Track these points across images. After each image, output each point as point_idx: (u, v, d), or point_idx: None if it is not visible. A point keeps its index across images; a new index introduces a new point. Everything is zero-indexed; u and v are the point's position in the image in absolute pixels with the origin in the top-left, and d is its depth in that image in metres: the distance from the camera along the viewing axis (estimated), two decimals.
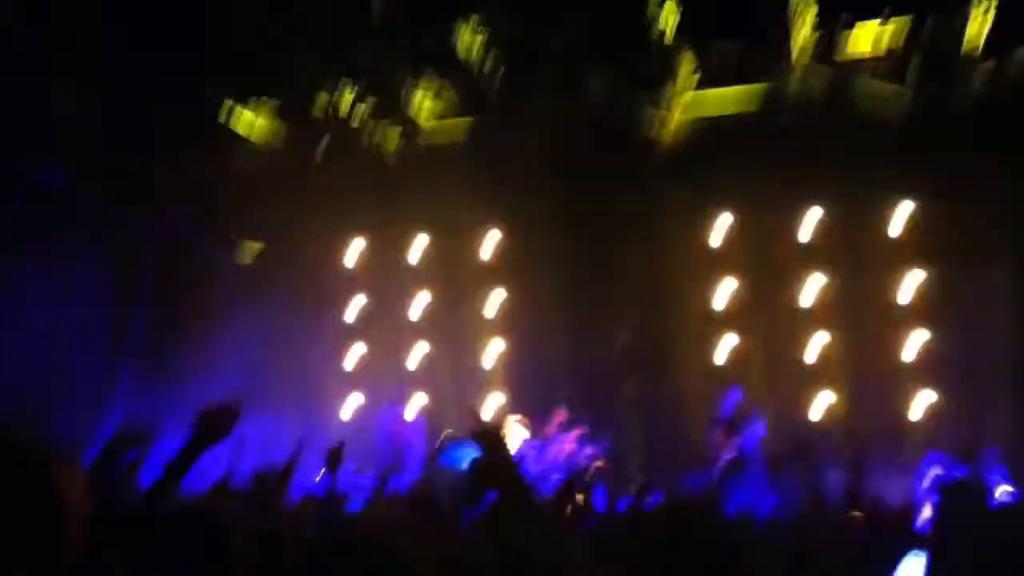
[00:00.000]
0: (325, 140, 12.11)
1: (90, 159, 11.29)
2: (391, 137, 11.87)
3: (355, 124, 11.62)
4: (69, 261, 11.48)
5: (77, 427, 11.01)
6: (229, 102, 10.99)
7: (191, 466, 3.58)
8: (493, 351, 14.06)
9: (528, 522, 3.31)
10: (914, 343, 12.05)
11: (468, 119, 11.37)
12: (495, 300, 14.13)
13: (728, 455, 11.50)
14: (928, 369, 12.00)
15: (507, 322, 14.13)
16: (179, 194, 12.21)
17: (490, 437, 4.06)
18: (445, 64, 10.41)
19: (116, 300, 12.30)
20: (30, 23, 9.51)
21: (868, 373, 12.08)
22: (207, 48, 9.97)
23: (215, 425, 3.68)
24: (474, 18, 9.26)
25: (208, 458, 3.66)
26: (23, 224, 11.25)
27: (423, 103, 11.00)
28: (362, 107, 11.17)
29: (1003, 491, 9.40)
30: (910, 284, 12.10)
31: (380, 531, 3.78)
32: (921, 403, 11.86)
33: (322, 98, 11.03)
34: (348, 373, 14.41)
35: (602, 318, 13.78)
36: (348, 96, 10.95)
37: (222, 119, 11.19)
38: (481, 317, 14.12)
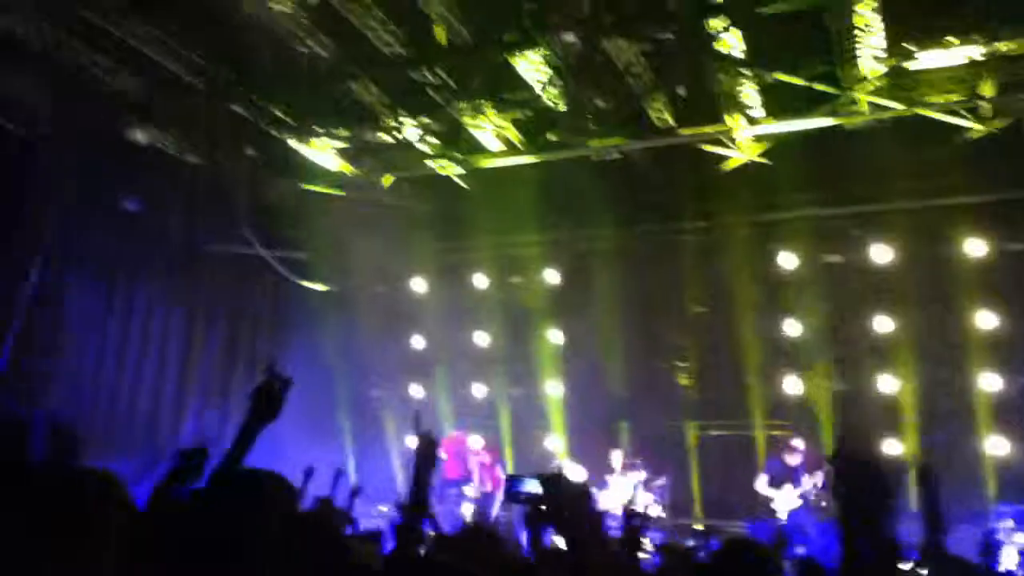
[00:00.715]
0: (386, 174, 12.27)
1: (171, 185, 11.63)
2: (454, 170, 11.95)
3: (422, 158, 11.71)
4: (149, 284, 11.78)
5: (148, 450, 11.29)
6: (302, 133, 11.18)
7: (252, 444, 3.62)
8: (552, 389, 14.00)
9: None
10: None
11: (533, 155, 11.40)
12: (553, 339, 14.12)
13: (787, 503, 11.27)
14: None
15: (565, 363, 14.09)
16: (253, 219, 12.46)
17: (553, 477, 4.47)
18: (511, 94, 10.45)
19: (191, 323, 12.57)
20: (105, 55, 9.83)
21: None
22: (277, 76, 10.17)
23: (269, 400, 3.74)
24: (540, 45, 9.27)
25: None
26: (106, 248, 11.60)
27: (488, 136, 11.05)
28: (428, 140, 11.26)
29: None
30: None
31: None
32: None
33: (388, 132, 11.14)
34: (409, 405, 14.46)
35: (661, 359, 13.71)
36: (414, 130, 11.05)
37: (295, 148, 11.38)
38: (540, 357, 14.12)
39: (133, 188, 11.69)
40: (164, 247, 12.27)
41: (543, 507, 3.01)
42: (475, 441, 13.22)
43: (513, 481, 3.44)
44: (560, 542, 3.52)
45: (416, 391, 14.74)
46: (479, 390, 14.55)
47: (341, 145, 11.65)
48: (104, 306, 11.35)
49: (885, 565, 3.73)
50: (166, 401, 13.09)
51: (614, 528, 11.08)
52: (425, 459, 3.89)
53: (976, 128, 9.87)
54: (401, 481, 13.70)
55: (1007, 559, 9.31)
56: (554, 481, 3.29)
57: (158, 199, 11.86)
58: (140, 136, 10.79)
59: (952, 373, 11.93)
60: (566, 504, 3.07)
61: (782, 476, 11.46)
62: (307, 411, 13.24)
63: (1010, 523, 9.94)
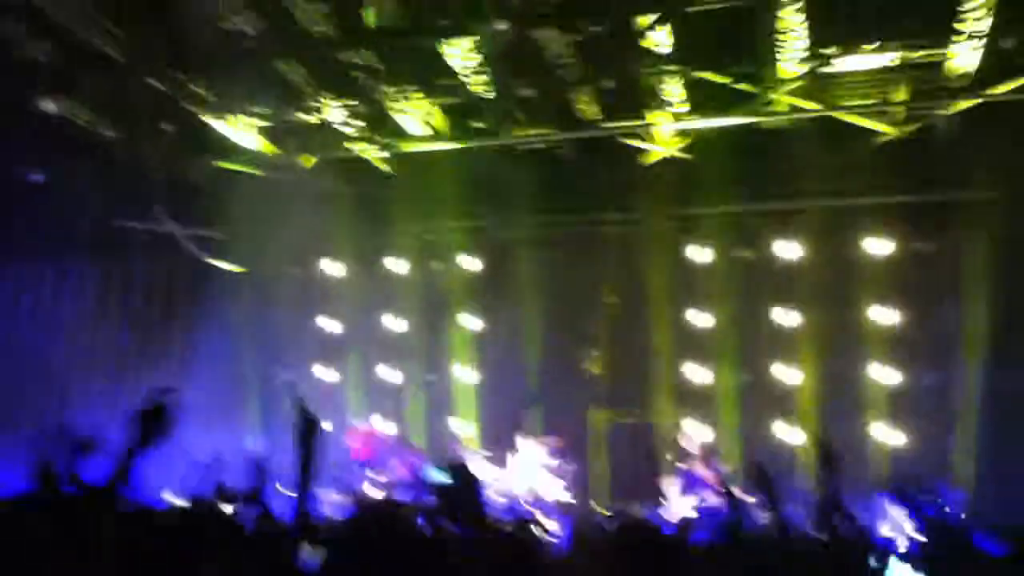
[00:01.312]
0: (307, 155, 12.07)
1: (77, 157, 11.22)
2: (378, 156, 11.87)
3: (345, 141, 11.58)
4: (56, 258, 11.35)
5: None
6: (223, 110, 10.92)
7: (133, 467, 3.58)
8: (466, 377, 14.06)
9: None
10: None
11: (457, 142, 11.40)
12: (470, 326, 14.19)
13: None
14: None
15: (481, 350, 14.17)
16: (168, 196, 12.14)
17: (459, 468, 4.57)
18: (438, 81, 10.42)
19: (99, 300, 12.15)
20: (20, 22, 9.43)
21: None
22: (200, 53, 9.90)
23: (152, 424, 3.67)
24: (470, 34, 9.28)
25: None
26: (11, 221, 11.15)
27: (413, 122, 11.00)
28: (352, 123, 11.15)
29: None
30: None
31: None
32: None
33: (311, 113, 10.99)
34: (324, 390, 14.31)
35: (576, 348, 13.92)
36: (338, 112, 10.92)
37: (214, 125, 11.10)
38: (456, 343, 14.17)
39: (41, 160, 11.27)
40: (73, 222, 11.85)
41: (445, 496, 3.11)
42: (387, 428, 13.21)
43: (427, 472, 3.55)
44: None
45: (327, 374, 14.61)
46: (392, 375, 14.50)
47: (263, 124, 11.44)
48: (9, 281, 10.89)
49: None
50: (67, 380, 12.68)
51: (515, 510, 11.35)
52: (303, 437, 3.90)
53: (887, 131, 10.29)
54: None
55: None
56: (459, 471, 3.38)
57: (68, 172, 11.45)
58: (52, 107, 10.39)
59: (850, 366, 12.48)
60: (462, 493, 3.17)
61: (689, 486, 11.72)
62: (216, 392, 13.11)
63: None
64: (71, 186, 11.50)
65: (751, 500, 5.81)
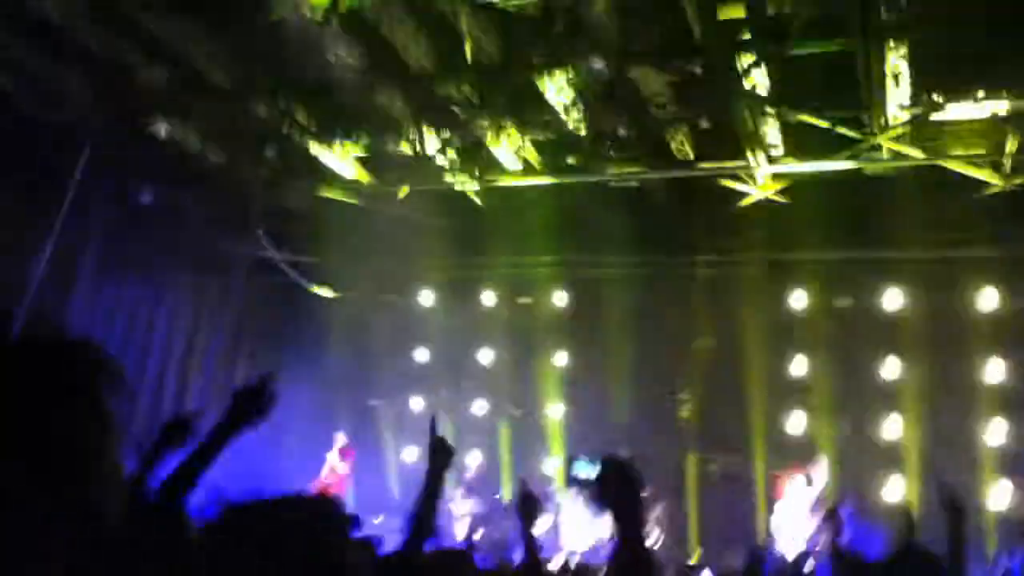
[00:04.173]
0: (403, 185, 12.24)
1: (184, 180, 11.63)
2: (472, 186, 11.94)
3: (439, 173, 11.70)
4: (159, 279, 11.75)
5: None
6: (324, 139, 11.18)
7: (221, 449, 3.47)
8: (554, 412, 13.96)
9: None
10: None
11: (550, 177, 11.39)
12: (558, 362, 14.10)
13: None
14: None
15: (568, 386, 14.06)
16: (268, 221, 12.47)
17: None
18: (533, 115, 10.44)
19: (196, 320, 12.51)
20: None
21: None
22: (303, 80, 10.16)
23: (251, 406, 3.57)
24: (567, 68, 9.27)
25: None
26: (118, 241, 11.59)
27: (507, 156, 11.05)
28: (448, 153, 11.25)
29: None
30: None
31: None
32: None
33: (408, 141, 11.14)
34: (412, 419, 14.40)
35: (665, 389, 13.68)
36: (434, 143, 11.04)
37: (314, 153, 11.37)
38: (543, 378, 14.08)
39: (150, 182, 11.71)
40: (177, 243, 12.26)
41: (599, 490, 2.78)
42: (339, 439, 13.23)
43: (570, 463, 3.21)
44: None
45: (416, 404, 14.68)
46: (480, 407, 14.49)
47: (360, 153, 11.65)
48: (112, 299, 11.29)
49: None
50: (166, 398, 13.06)
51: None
52: (438, 464, 3.78)
53: (996, 183, 9.86)
54: (397, 492, 13.64)
55: None
56: (612, 464, 2.94)
57: (175, 195, 11.86)
58: (162, 131, 10.80)
59: (958, 421, 11.93)
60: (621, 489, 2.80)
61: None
62: (305, 417, 13.31)
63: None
64: (178, 208, 11.91)
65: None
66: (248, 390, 3.56)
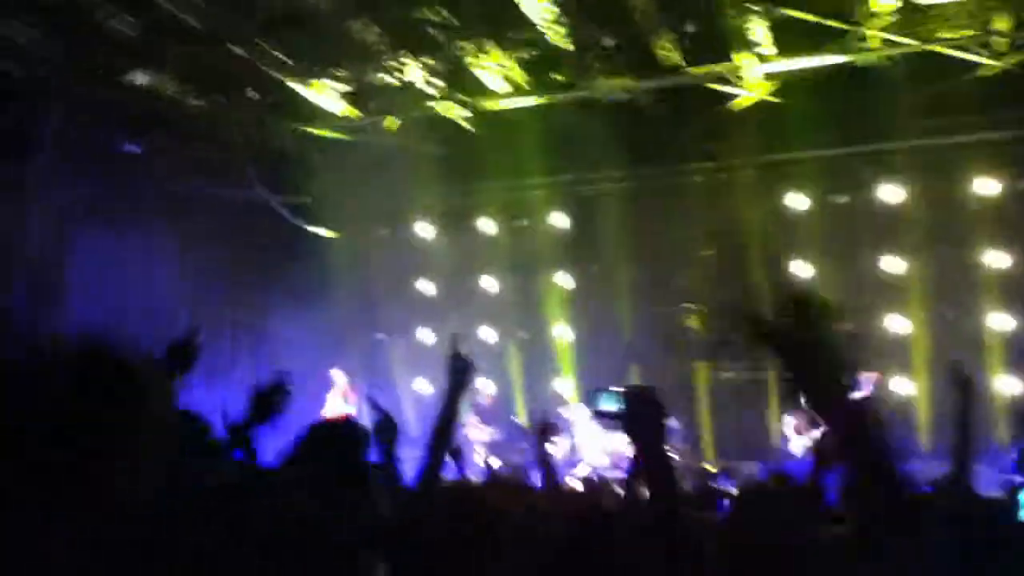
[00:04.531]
0: (391, 117, 12.08)
1: (167, 127, 11.51)
2: (459, 112, 11.76)
3: (426, 101, 11.54)
4: (144, 226, 11.66)
5: None
6: (304, 75, 11.01)
7: (246, 444, 3.68)
8: (561, 333, 13.99)
9: None
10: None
11: (538, 96, 11.22)
12: (563, 284, 14.09)
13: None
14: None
15: (574, 307, 14.07)
16: (257, 163, 12.38)
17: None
18: (515, 33, 10.24)
19: (186, 266, 12.42)
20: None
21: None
22: (279, 16, 9.96)
23: (268, 403, 3.78)
24: None
25: None
26: (105, 193, 11.50)
27: (493, 78, 10.86)
28: (433, 80, 11.08)
29: None
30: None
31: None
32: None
33: (391, 74, 10.97)
34: (417, 352, 14.45)
35: (670, 302, 13.68)
36: (418, 71, 10.87)
37: (298, 91, 11.20)
38: (548, 300, 14.10)
39: (133, 132, 11.59)
40: (165, 191, 12.15)
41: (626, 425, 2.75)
42: (338, 376, 13.24)
43: (593, 397, 3.10)
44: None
45: (424, 335, 14.74)
46: (488, 334, 14.54)
47: (344, 88, 11.49)
48: (102, 253, 11.21)
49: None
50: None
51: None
52: (458, 383, 3.74)
53: (989, 64, 9.67)
54: (412, 424, 13.76)
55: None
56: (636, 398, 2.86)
57: (158, 143, 11.74)
58: (140, 79, 10.65)
59: (963, 313, 11.91)
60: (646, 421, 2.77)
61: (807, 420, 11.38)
62: (313, 358, 13.36)
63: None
64: (163, 156, 11.79)
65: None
66: (264, 390, 3.81)
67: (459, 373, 3.76)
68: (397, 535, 3.09)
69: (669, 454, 2.80)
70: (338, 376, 13.22)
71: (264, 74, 10.91)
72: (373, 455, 4.31)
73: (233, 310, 13.46)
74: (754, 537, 2.83)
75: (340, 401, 13.00)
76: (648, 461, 2.65)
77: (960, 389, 4.37)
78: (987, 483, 9.37)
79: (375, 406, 4.24)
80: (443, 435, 3.66)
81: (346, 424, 3.77)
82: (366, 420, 4.08)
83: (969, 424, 4.30)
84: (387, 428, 4.08)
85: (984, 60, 9.59)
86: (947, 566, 3.10)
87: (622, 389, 2.77)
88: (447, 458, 3.75)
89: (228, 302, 13.27)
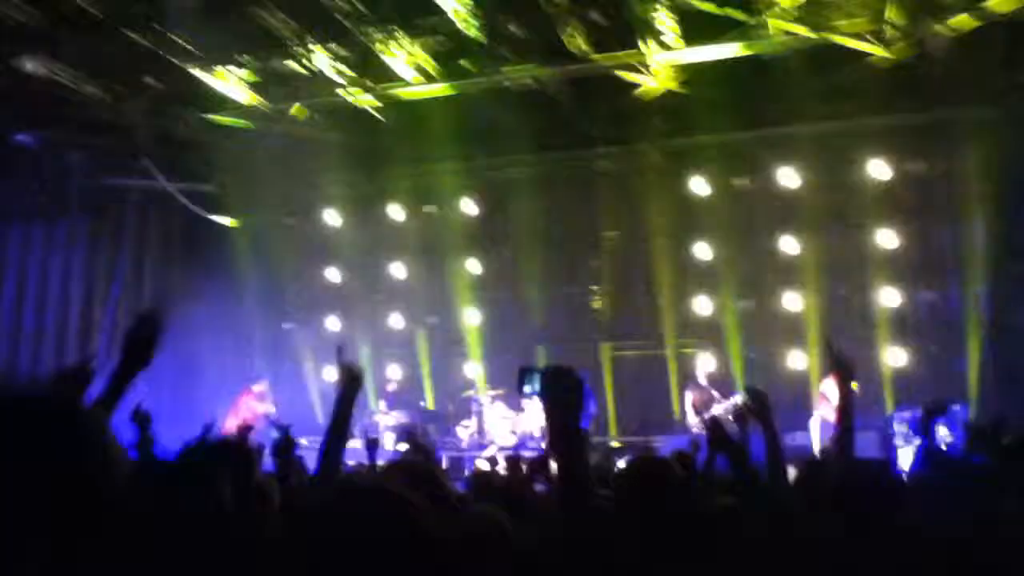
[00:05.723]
0: (297, 104, 11.88)
1: (64, 118, 11.08)
2: (367, 100, 11.66)
3: (334, 88, 11.38)
4: (48, 222, 11.26)
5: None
6: (207, 63, 10.72)
7: (123, 394, 3.39)
8: (470, 318, 14.06)
9: None
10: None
11: (447, 84, 11.20)
12: (471, 269, 14.16)
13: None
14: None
15: (482, 291, 14.17)
16: (157, 152, 12.02)
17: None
18: (424, 20, 10.19)
19: (95, 256, 12.06)
20: None
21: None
22: (181, 3, 9.67)
23: (141, 346, 3.47)
24: None
25: None
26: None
27: (402, 65, 10.79)
28: (340, 68, 10.94)
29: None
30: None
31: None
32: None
33: (298, 61, 10.79)
34: (325, 339, 14.33)
35: (576, 284, 13.95)
36: (325, 58, 10.71)
37: (201, 79, 10.91)
38: (457, 285, 14.15)
39: (28, 123, 11.14)
40: (62, 183, 11.72)
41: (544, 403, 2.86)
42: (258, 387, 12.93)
43: (524, 377, 3.14)
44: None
45: (332, 323, 14.63)
46: (396, 320, 14.52)
47: (248, 76, 11.26)
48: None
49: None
50: (69, 344, 12.68)
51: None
52: (347, 389, 3.80)
53: (881, 53, 10.09)
54: (320, 414, 13.64)
55: (904, 460, 9.86)
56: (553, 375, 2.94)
57: (54, 133, 11.31)
58: (32, 67, 10.23)
59: (855, 289, 12.48)
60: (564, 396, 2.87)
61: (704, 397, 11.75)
62: (221, 348, 13.14)
63: (905, 427, 10.59)
64: (58, 147, 11.36)
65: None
66: (137, 331, 3.45)
67: (350, 382, 3.84)
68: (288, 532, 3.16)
69: (582, 433, 2.93)
70: (259, 387, 12.88)
71: (166, 62, 10.59)
72: (268, 467, 4.58)
73: (134, 302, 13.07)
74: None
75: (256, 404, 12.73)
76: (564, 440, 2.76)
77: (840, 368, 4.57)
78: (868, 447, 10.01)
79: (278, 427, 4.75)
80: (336, 441, 3.75)
81: (238, 447, 3.82)
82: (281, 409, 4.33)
83: (848, 398, 4.50)
84: (285, 447, 4.54)
85: (878, 50, 9.99)
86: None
87: (544, 368, 2.87)
88: (345, 453, 3.85)
89: (128, 295, 12.88)
